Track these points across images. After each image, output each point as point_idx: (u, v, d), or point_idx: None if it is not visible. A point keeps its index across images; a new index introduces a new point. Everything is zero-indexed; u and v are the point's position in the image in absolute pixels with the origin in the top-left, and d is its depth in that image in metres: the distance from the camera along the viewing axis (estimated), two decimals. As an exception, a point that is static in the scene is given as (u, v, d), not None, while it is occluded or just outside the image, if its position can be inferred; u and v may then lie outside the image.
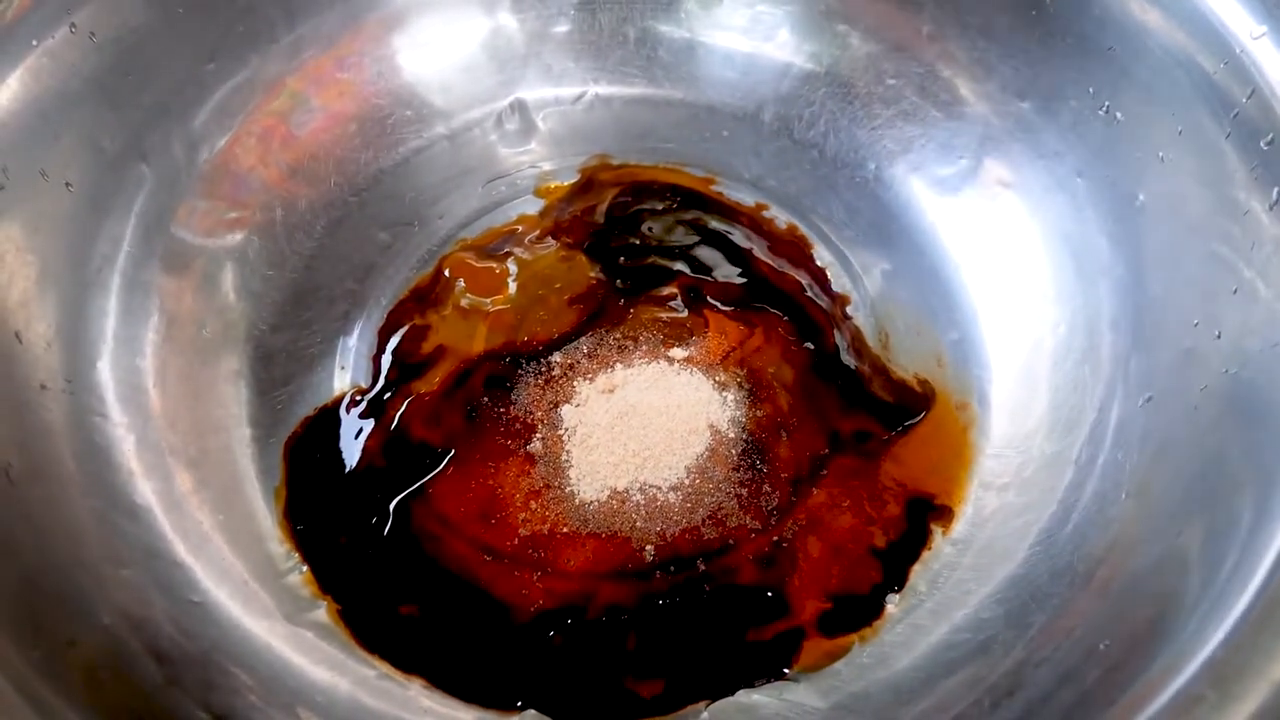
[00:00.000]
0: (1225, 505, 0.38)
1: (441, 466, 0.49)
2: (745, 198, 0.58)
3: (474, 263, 0.55)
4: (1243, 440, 0.40)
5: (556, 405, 0.50)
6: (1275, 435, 0.38)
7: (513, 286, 0.55)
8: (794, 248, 0.57)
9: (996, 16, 0.53)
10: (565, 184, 0.59)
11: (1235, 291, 0.42)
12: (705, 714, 0.43)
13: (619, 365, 0.51)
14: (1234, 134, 0.42)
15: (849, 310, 0.54)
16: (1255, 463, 0.38)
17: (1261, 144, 0.41)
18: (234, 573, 0.44)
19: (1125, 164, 0.48)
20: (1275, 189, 0.41)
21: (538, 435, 0.49)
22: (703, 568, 0.47)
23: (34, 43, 0.44)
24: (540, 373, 0.51)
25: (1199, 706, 0.31)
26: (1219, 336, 0.42)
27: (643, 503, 0.48)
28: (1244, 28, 0.42)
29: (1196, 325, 0.43)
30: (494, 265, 0.55)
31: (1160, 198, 0.47)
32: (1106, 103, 0.49)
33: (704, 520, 0.48)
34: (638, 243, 0.57)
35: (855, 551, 0.47)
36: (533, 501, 0.48)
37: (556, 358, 0.52)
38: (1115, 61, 0.48)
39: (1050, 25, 0.50)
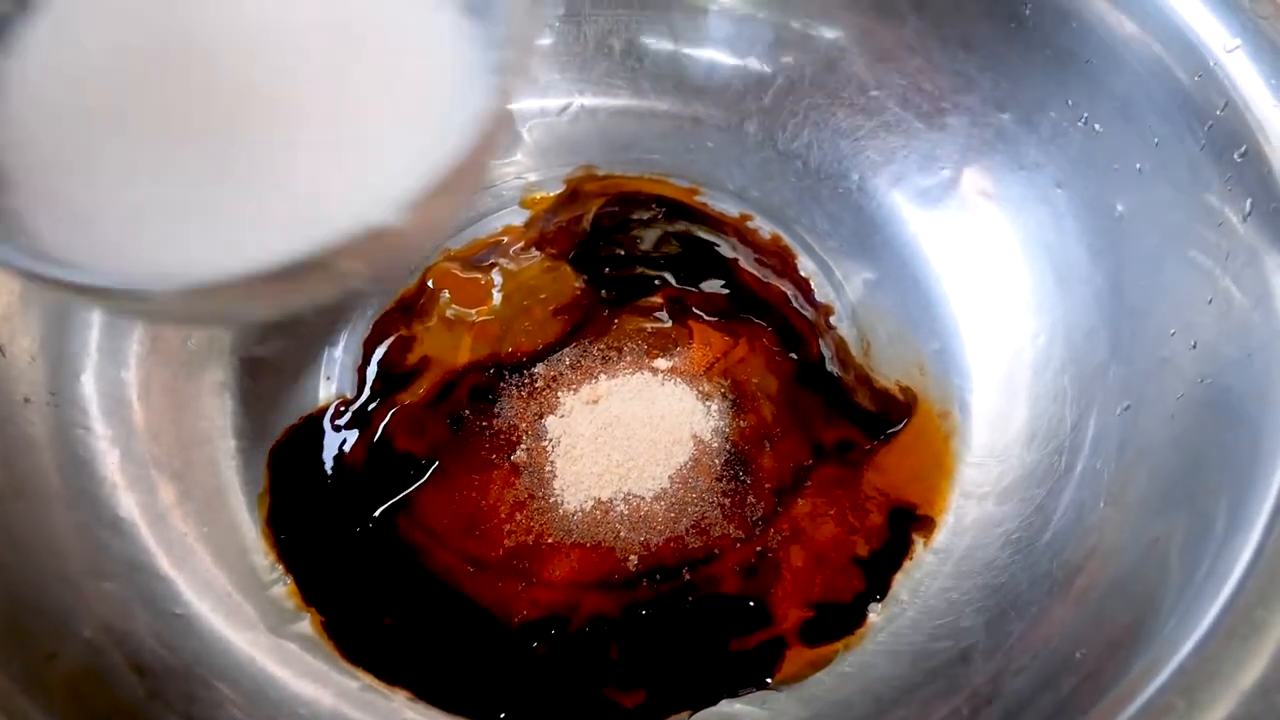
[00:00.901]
0: (1201, 512, 0.39)
1: (426, 477, 0.49)
2: (730, 208, 0.59)
3: (459, 274, 0.56)
4: (1218, 447, 0.40)
5: (541, 416, 0.50)
6: (1250, 442, 0.38)
7: (497, 297, 0.55)
8: (778, 258, 0.57)
9: (976, 29, 0.53)
10: (551, 195, 0.59)
11: (1211, 301, 0.42)
12: (688, 724, 0.43)
13: (603, 376, 0.51)
14: (1209, 145, 0.43)
15: (832, 320, 0.55)
16: (1230, 469, 0.39)
17: (1235, 155, 0.42)
18: (217, 585, 0.44)
19: (1104, 175, 0.49)
20: (1249, 200, 0.41)
21: (522, 446, 0.49)
22: (687, 577, 0.47)
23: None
24: (524, 384, 0.51)
25: (1169, 715, 0.32)
26: (1195, 346, 0.43)
27: (627, 513, 0.48)
28: (1218, 41, 0.43)
29: (1173, 334, 0.44)
30: (479, 276, 0.56)
31: (1138, 208, 0.47)
32: (1085, 114, 0.49)
33: (688, 530, 0.48)
34: (623, 253, 0.57)
35: (838, 561, 0.47)
36: (517, 512, 0.48)
37: (541, 369, 0.52)
38: (1093, 74, 0.48)
39: (1029, 38, 0.50)
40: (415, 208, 0.24)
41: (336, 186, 0.26)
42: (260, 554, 0.47)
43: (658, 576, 0.47)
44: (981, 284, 0.54)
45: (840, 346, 0.54)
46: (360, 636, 0.45)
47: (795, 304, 0.55)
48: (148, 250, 0.25)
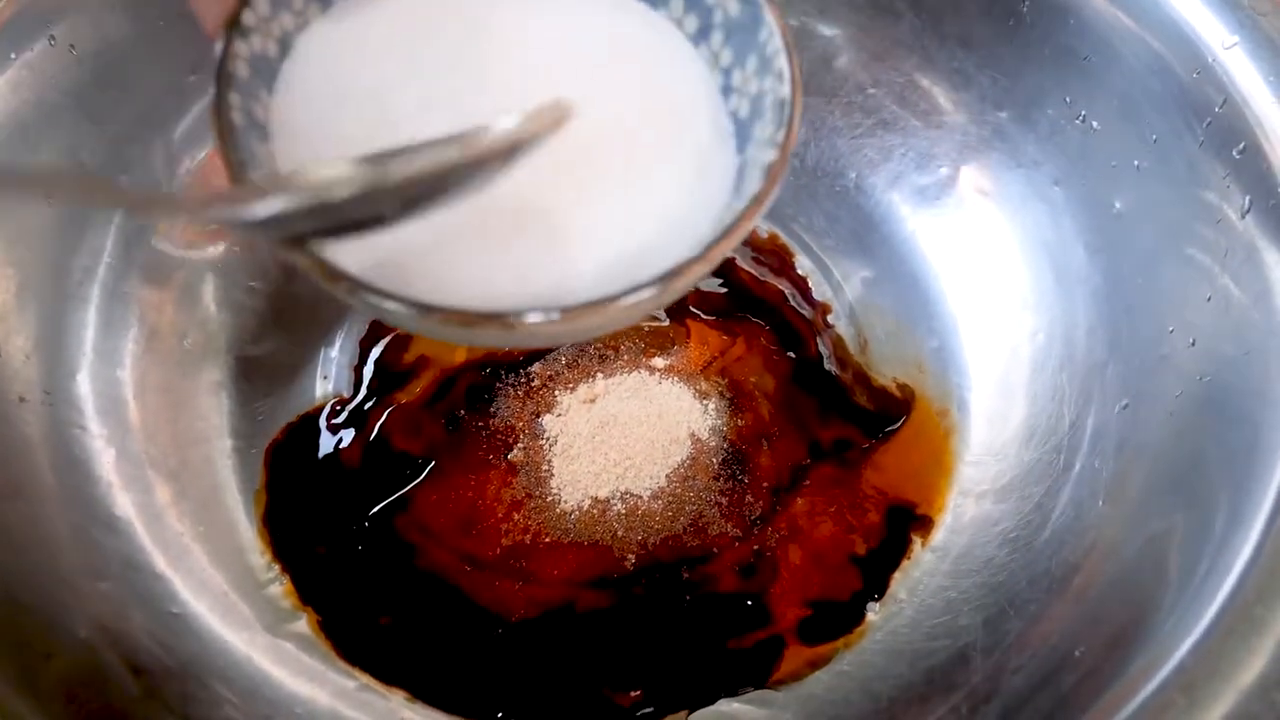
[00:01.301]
0: (1200, 510, 0.38)
1: (423, 477, 0.49)
2: (727, 207, 0.58)
3: (456, 273, 0.55)
4: (1217, 446, 0.40)
5: (537, 415, 0.50)
6: (1249, 440, 0.38)
7: (495, 296, 0.55)
8: (776, 256, 0.57)
9: (974, 26, 0.53)
10: (548, 194, 0.59)
11: (1209, 299, 0.42)
12: (686, 723, 0.43)
13: (600, 375, 0.51)
14: (1207, 142, 0.43)
15: (830, 319, 0.55)
16: (1229, 468, 0.38)
17: (1234, 152, 0.42)
18: (214, 584, 0.44)
19: (1102, 172, 0.49)
20: (1247, 196, 0.41)
21: (519, 445, 0.49)
22: (684, 576, 0.47)
23: (12, 55, 0.44)
24: (521, 383, 0.51)
25: (1168, 712, 0.32)
26: (1193, 343, 0.42)
27: (624, 512, 0.48)
28: (1216, 37, 0.43)
29: (1172, 332, 0.44)
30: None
31: (1137, 206, 0.47)
32: (1083, 112, 0.49)
33: (685, 529, 0.48)
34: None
35: (836, 559, 0.47)
36: (514, 511, 0.48)
37: (537, 368, 0.52)
38: (1091, 71, 0.48)
39: (1027, 35, 0.50)
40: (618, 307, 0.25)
41: (569, 261, 0.27)
42: (257, 553, 0.46)
43: (655, 575, 0.47)
44: (980, 282, 0.53)
45: (838, 345, 0.54)
46: (357, 636, 0.45)
47: (793, 302, 0.55)
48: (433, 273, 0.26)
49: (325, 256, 0.25)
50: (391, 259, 0.26)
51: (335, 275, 0.24)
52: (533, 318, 0.24)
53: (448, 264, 0.26)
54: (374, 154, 0.23)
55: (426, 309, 0.24)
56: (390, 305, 0.24)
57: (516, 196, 0.27)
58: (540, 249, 0.27)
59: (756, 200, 0.26)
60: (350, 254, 0.25)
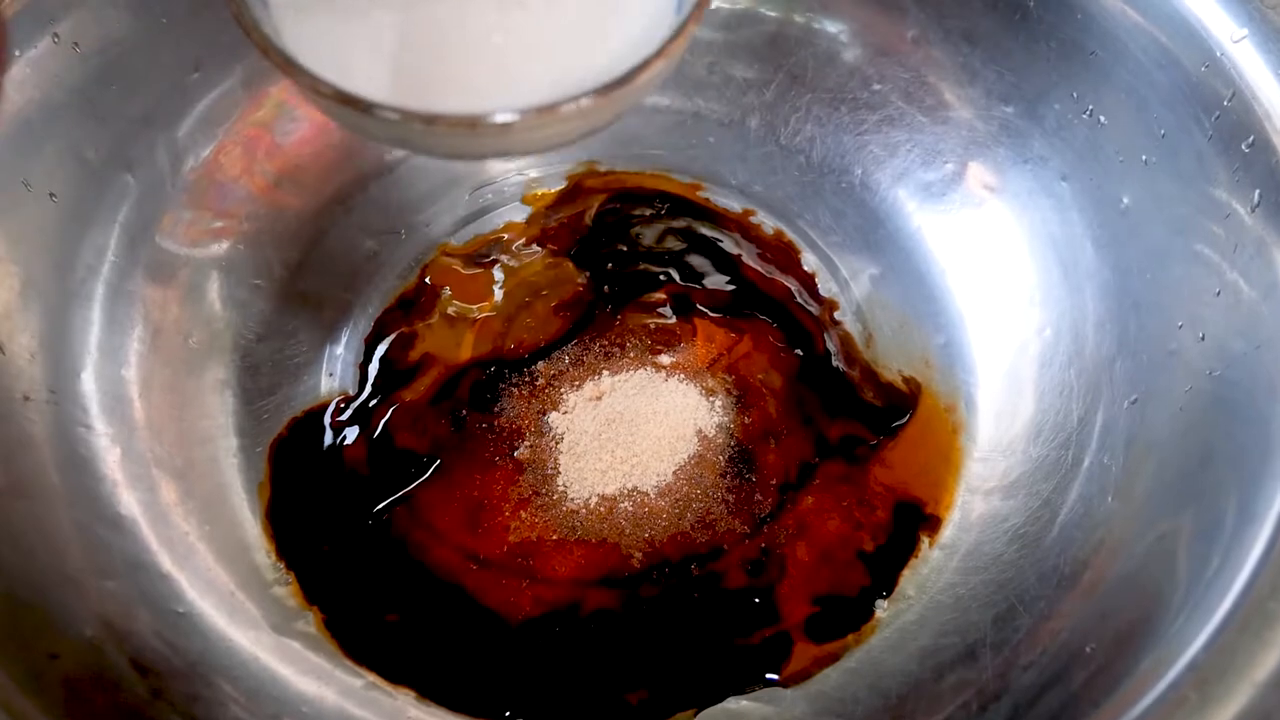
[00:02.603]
0: (1210, 506, 0.38)
1: (428, 474, 0.49)
2: (733, 204, 0.58)
3: (460, 270, 0.55)
4: (1227, 441, 0.40)
5: (544, 412, 0.50)
6: (1259, 436, 0.38)
7: (499, 294, 0.55)
8: (782, 254, 0.57)
9: (980, 21, 0.53)
10: (552, 191, 0.59)
11: (1219, 293, 0.42)
12: (694, 721, 0.43)
13: (606, 372, 0.51)
14: (1216, 136, 0.43)
15: (837, 315, 0.54)
16: (1239, 463, 0.38)
17: (1243, 146, 0.42)
18: (220, 583, 0.44)
19: (1109, 167, 0.48)
20: (1257, 191, 0.41)
21: (525, 443, 0.49)
22: (692, 573, 0.47)
23: (16, 53, 0.44)
24: (527, 380, 0.51)
25: (1181, 709, 0.32)
26: (1203, 338, 0.42)
27: (631, 509, 0.48)
28: (1225, 31, 0.43)
29: (1181, 327, 0.43)
30: (480, 273, 0.55)
31: (1144, 200, 0.47)
32: (1090, 107, 0.49)
33: (692, 526, 0.48)
34: (626, 249, 0.57)
35: (844, 556, 0.47)
36: (521, 509, 0.48)
37: (543, 365, 0.52)
38: (1098, 65, 0.48)
39: (1033, 30, 0.50)
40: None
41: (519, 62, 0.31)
42: (262, 552, 0.46)
43: (663, 572, 0.46)
44: (987, 278, 0.53)
45: (845, 341, 0.54)
46: (363, 634, 0.45)
47: (799, 299, 0.55)
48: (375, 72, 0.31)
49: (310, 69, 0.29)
50: (393, 68, 0.30)
51: (333, 94, 0.28)
52: (502, 117, 0.28)
53: (431, 75, 0.30)
54: None
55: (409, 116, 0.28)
56: (387, 114, 0.28)
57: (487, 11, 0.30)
58: (515, 56, 0.30)
59: (697, 6, 0.30)
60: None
